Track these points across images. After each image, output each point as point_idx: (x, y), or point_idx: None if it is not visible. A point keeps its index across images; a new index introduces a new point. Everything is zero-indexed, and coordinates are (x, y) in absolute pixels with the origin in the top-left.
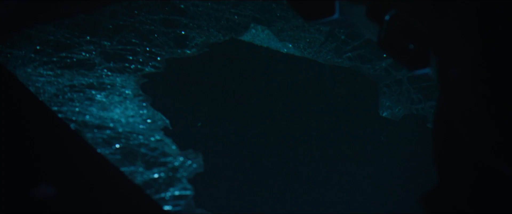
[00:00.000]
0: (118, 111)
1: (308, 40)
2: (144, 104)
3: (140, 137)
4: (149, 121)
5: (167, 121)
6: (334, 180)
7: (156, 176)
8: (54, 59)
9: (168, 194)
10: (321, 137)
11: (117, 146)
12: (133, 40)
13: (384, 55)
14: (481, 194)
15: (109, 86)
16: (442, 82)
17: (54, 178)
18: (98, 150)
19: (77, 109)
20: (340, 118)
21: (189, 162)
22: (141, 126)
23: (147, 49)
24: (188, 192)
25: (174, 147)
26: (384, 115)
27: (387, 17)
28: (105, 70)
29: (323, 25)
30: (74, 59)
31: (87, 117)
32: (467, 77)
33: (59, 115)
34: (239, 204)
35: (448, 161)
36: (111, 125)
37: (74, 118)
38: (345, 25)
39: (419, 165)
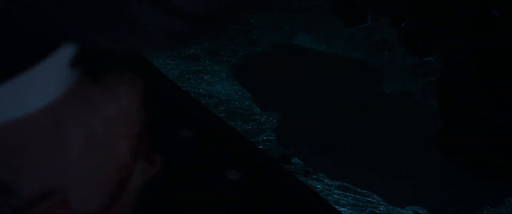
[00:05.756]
0: (219, 86)
1: (336, 42)
2: (235, 82)
3: (237, 102)
4: (240, 93)
5: (249, 94)
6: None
7: (250, 127)
8: (175, 54)
9: (259, 139)
10: (347, 100)
11: (222, 108)
12: (224, 42)
13: (386, 53)
14: (478, 136)
15: (211, 71)
16: (443, 64)
17: (188, 125)
18: (211, 110)
19: (193, 84)
20: (357, 91)
21: (271, 118)
22: (235, 96)
23: (232, 47)
24: (272, 137)
25: (258, 109)
26: (387, 91)
27: (402, 24)
28: (207, 61)
29: (359, 30)
30: (187, 54)
31: (200, 90)
32: (462, 61)
33: (183, 88)
34: (302, 144)
35: (450, 112)
36: (217, 95)
37: (192, 90)
38: (373, 31)
39: (410, 121)
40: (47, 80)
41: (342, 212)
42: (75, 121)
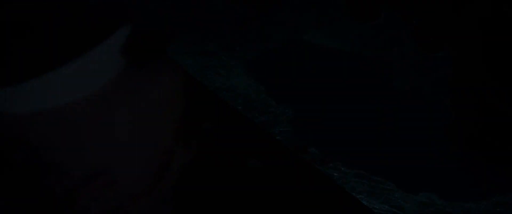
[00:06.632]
0: (236, 80)
1: (346, 39)
2: (250, 77)
3: (252, 96)
4: (255, 86)
5: (263, 87)
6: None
7: (266, 119)
8: (190, 51)
9: (275, 130)
10: (358, 94)
11: (240, 101)
12: (238, 37)
13: (396, 49)
14: (489, 127)
15: (226, 66)
16: (454, 58)
17: (209, 117)
18: (230, 103)
19: (210, 79)
20: (368, 85)
21: (286, 110)
22: (251, 90)
23: (247, 43)
24: (287, 128)
25: (274, 102)
26: (394, 84)
27: (415, 22)
28: (222, 57)
29: (371, 26)
30: (202, 50)
31: (218, 84)
32: (473, 57)
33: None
34: (318, 134)
35: (462, 105)
36: (233, 88)
37: (210, 84)
38: (385, 26)
39: (421, 115)
40: (100, 65)
41: (359, 199)
42: (122, 105)
